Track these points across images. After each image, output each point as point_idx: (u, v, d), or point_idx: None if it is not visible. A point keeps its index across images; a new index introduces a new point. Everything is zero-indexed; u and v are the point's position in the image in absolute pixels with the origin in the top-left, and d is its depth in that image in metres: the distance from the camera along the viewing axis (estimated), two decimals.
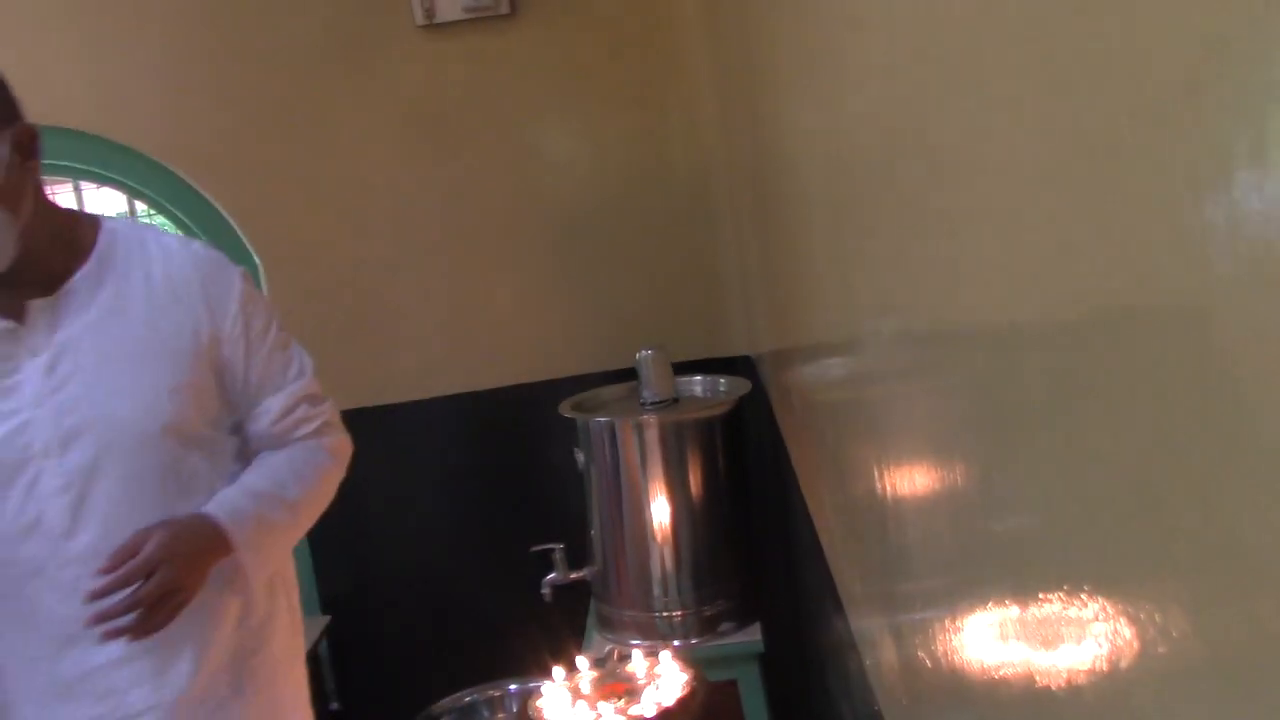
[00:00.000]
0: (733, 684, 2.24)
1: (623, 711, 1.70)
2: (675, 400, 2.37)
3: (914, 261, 0.81)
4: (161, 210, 3.12)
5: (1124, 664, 0.47)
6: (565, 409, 2.39)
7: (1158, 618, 0.43)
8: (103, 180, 3.09)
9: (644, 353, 2.35)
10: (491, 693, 2.41)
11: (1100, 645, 0.49)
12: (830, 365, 1.41)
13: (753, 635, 2.26)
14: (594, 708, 1.72)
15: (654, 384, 2.34)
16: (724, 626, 2.27)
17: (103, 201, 3.47)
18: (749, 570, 2.37)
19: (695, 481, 2.26)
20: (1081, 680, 0.53)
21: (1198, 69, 0.37)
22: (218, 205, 3.02)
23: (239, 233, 3.03)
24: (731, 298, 3.02)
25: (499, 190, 3.02)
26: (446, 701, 2.43)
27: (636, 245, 3.04)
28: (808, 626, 2.28)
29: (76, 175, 3.09)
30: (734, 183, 2.66)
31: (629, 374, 2.46)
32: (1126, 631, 0.46)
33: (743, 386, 2.40)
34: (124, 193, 3.15)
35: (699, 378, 2.54)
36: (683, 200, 3.03)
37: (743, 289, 2.85)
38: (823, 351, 1.48)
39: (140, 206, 3.24)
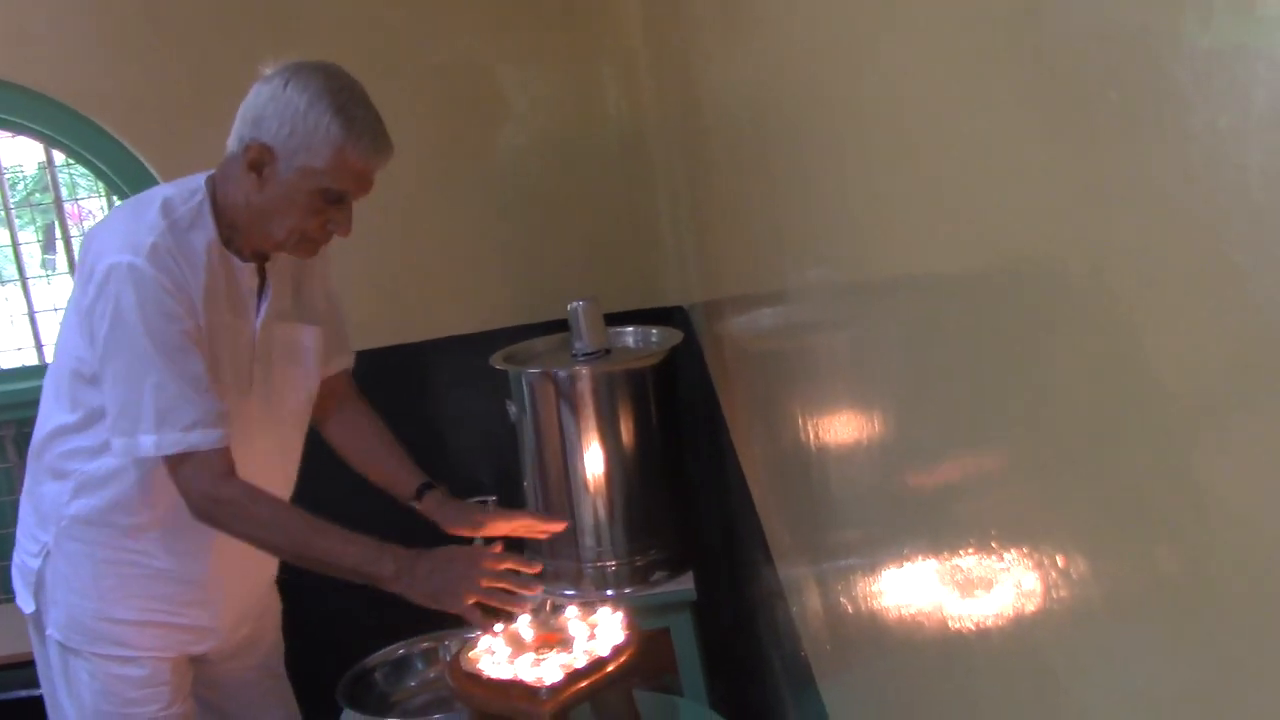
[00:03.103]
0: (665, 632, 2.26)
1: (557, 662, 1.71)
2: (607, 351, 2.36)
3: (838, 214, 0.82)
4: (81, 160, 3.04)
5: (1029, 606, 0.48)
6: (497, 361, 2.37)
7: (1060, 562, 0.45)
8: (18, 129, 3.00)
9: (576, 304, 2.33)
10: (425, 644, 2.40)
11: (1007, 589, 0.51)
12: (759, 316, 1.42)
13: (685, 584, 2.28)
14: (527, 659, 1.73)
15: (586, 335, 2.33)
16: (656, 576, 2.29)
17: (18, 151, 3.38)
18: (682, 520, 2.39)
19: (627, 432, 2.27)
20: (989, 623, 0.54)
21: (1109, 38, 0.37)
22: (139, 155, 2.94)
23: (160, 184, 2.96)
24: (665, 248, 3.02)
25: (429, 141, 2.98)
26: (379, 655, 2.43)
27: (569, 196, 3.02)
28: (739, 575, 2.31)
29: None
30: (667, 133, 2.65)
31: (561, 325, 2.45)
32: (1032, 576, 0.48)
33: (675, 337, 2.40)
34: (41, 141, 3.06)
35: (631, 329, 2.53)
36: (615, 151, 3.01)
37: (676, 239, 2.85)
38: (752, 302, 1.49)
39: (59, 156, 3.15)
